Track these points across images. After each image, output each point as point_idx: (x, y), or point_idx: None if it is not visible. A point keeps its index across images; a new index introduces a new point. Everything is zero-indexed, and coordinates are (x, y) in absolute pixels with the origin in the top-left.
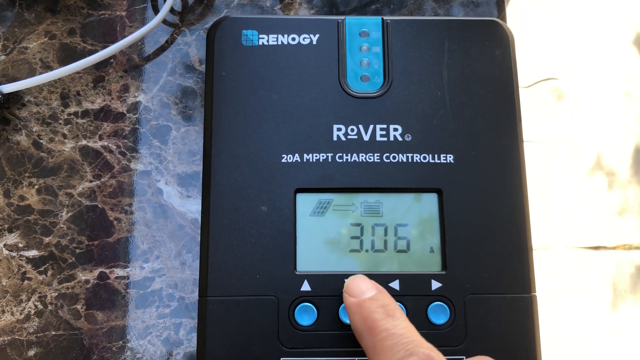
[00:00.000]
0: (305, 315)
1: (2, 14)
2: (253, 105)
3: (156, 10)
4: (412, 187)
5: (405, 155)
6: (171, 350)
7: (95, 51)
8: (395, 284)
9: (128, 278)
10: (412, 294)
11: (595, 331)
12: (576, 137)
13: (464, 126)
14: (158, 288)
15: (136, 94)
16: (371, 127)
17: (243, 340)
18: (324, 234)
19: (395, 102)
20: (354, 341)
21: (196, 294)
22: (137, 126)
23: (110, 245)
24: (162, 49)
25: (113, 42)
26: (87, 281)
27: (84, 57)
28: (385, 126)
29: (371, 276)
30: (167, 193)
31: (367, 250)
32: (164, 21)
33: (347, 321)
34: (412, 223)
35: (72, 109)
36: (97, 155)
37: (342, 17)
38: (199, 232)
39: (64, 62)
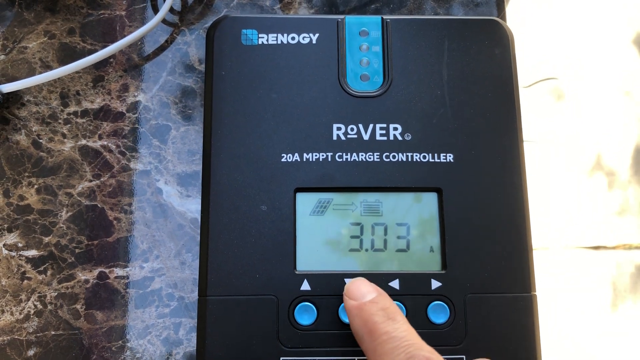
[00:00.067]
0: (305, 315)
1: (2, 14)
2: (253, 105)
3: (156, 10)
4: (411, 186)
5: (405, 154)
6: (171, 350)
7: (95, 51)
8: (395, 284)
9: (128, 278)
10: (411, 293)
11: (595, 331)
12: (576, 137)
13: (464, 125)
14: (158, 288)
15: (136, 94)
16: (371, 126)
17: (243, 340)
18: (323, 233)
19: (395, 101)
20: (354, 341)
21: (196, 293)
22: (136, 126)
23: (109, 244)
24: (161, 49)
25: (112, 41)
26: (86, 281)
27: (84, 56)
28: (385, 125)
29: (371, 275)
30: (167, 192)
31: (366, 250)
32: (164, 21)
33: (347, 321)
34: (412, 222)
35: (72, 109)
36: (97, 154)
37: (342, 17)
38: (199, 231)
39: (63, 62)
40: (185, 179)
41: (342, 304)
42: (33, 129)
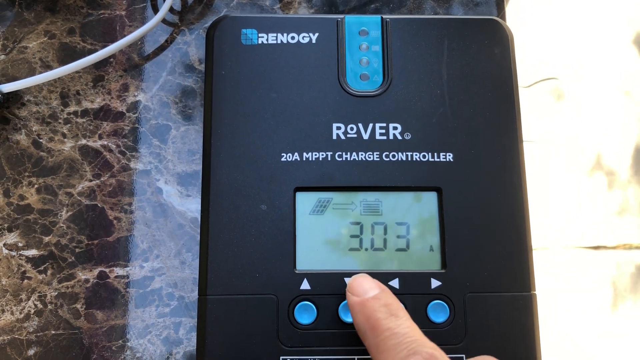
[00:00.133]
0: (305, 314)
1: (2, 14)
2: (252, 104)
3: (156, 10)
4: (411, 185)
5: (404, 153)
6: (171, 350)
7: (95, 50)
8: (394, 283)
9: (128, 277)
10: (411, 292)
11: (595, 331)
12: (576, 137)
13: (464, 125)
14: (158, 287)
15: (136, 93)
16: (370, 125)
17: (243, 339)
18: (323, 232)
19: (395, 100)
20: (354, 340)
21: (196, 293)
22: (136, 125)
23: (110, 244)
24: (161, 49)
25: (112, 41)
26: (86, 280)
27: (84, 56)
28: (384, 125)
29: (371, 275)
30: (167, 192)
31: (366, 249)
32: (164, 20)
33: (347, 320)
34: (412, 222)
35: (72, 109)
36: (97, 154)
37: (342, 16)
38: (199, 231)
39: (63, 62)
40: (185, 179)
41: (342, 303)
42: (33, 129)
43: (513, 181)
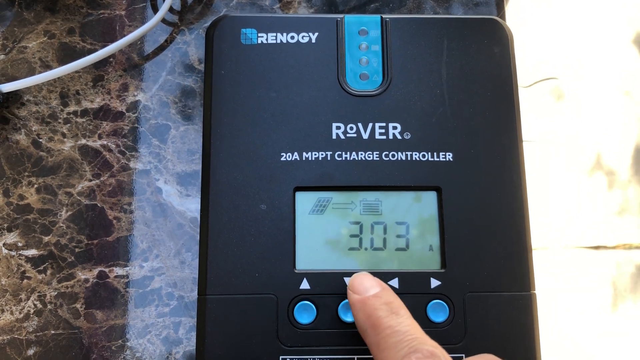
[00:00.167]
0: (305, 314)
1: (2, 14)
2: (252, 104)
3: (155, 10)
4: (411, 185)
5: (404, 153)
6: (170, 349)
7: (95, 50)
8: (394, 282)
9: (127, 277)
10: (411, 292)
11: (595, 331)
12: (576, 137)
13: (463, 124)
14: (157, 287)
15: (135, 93)
16: (370, 125)
17: (242, 339)
18: (323, 232)
19: (395, 100)
20: (354, 339)
21: (195, 292)
22: (136, 125)
23: (109, 244)
24: (161, 48)
25: (112, 41)
26: (86, 280)
27: (83, 56)
28: (384, 124)
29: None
30: (167, 192)
31: (366, 249)
32: (163, 20)
33: (347, 319)
34: (412, 221)
35: (72, 108)
36: (97, 154)
37: (341, 16)
38: (198, 230)
39: (63, 62)
40: (184, 179)
41: (342, 303)
42: (33, 129)
43: (513, 180)
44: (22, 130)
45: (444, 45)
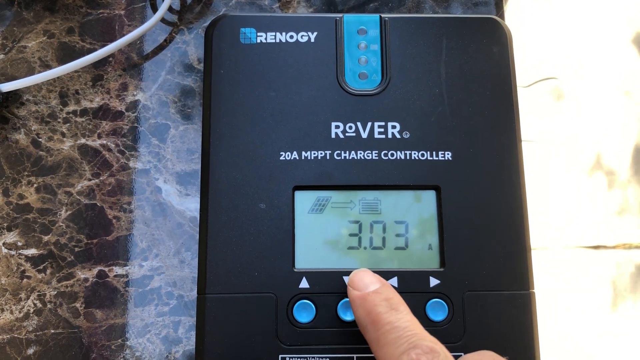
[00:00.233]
0: (304, 313)
1: (1, 13)
2: (251, 103)
3: (155, 9)
4: (410, 184)
5: (403, 152)
6: (170, 349)
7: (94, 50)
8: (393, 281)
9: (127, 276)
10: (410, 291)
11: (595, 331)
12: (576, 137)
13: (462, 123)
14: (157, 286)
15: (135, 93)
16: (369, 124)
17: (242, 338)
18: (322, 231)
19: (394, 99)
20: (353, 338)
21: (195, 292)
22: (135, 125)
23: (109, 243)
24: (160, 48)
25: (112, 40)
26: (86, 279)
27: (83, 55)
28: (383, 123)
29: None
30: (166, 191)
31: (365, 248)
32: (163, 20)
33: (346, 318)
34: (411, 220)
35: (71, 108)
36: (96, 153)
37: (340, 15)
38: (198, 230)
39: (62, 61)
40: (184, 178)
41: (341, 302)
42: (32, 128)
43: (512, 179)
44: (22, 129)
45: (443, 45)
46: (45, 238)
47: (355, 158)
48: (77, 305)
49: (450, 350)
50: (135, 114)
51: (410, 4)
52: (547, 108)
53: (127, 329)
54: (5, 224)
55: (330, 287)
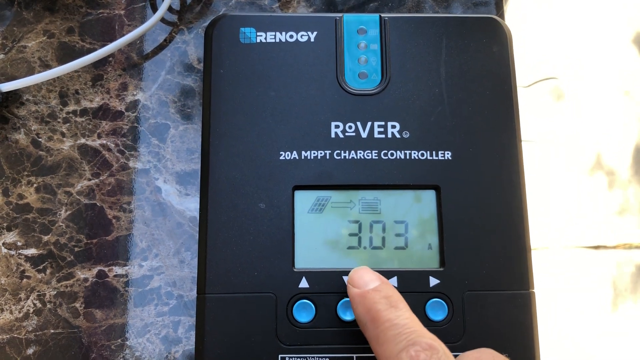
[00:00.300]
0: (304, 312)
1: (1, 13)
2: (251, 103)
3: (155, 9)
4: (410, 184)
5: (403, 152)
6: (170, 348)
7: (94, 50)
8: (393, 281)
9: (127, 276)
10: (410, 290)
11: (595, 331)
12: (576, 137)
13: (462, 123)
14: (157, 286)
15: (135, 93)
16: (369, 124)
17: (241, 338)
18: (322, 231)
19: (393, 99)
20: (353, 338)
21: (195, 291)
22: (135, 124)
23: (109, 243)
24: (160, 48)
25: (111, 40)
26: (85, 279)
27: (83, 55)
28: (383, 123)
29: None
30: (166, 191)
31: (365, 248)
32: (163, 20)
33: (346, 318)
34: (410, 220)
35: (71, 108)
36: (96, 153)
37: (340, 15)
38: (198, 230)
39: (62, 61)
40: (184, 178)
41: (341, 302)
42: (32, 128)
43: (511, 179)
44: (22, 129)
45: (443, 44)
46: (45, 238)
47: (355, 158)
48: (77, 305)
49: (450, 350)
50: (135, 114)
51: (410, 3)
52: (547, 108)
53: (127, 328)
54: (5, 224)
55: (330, 286)
